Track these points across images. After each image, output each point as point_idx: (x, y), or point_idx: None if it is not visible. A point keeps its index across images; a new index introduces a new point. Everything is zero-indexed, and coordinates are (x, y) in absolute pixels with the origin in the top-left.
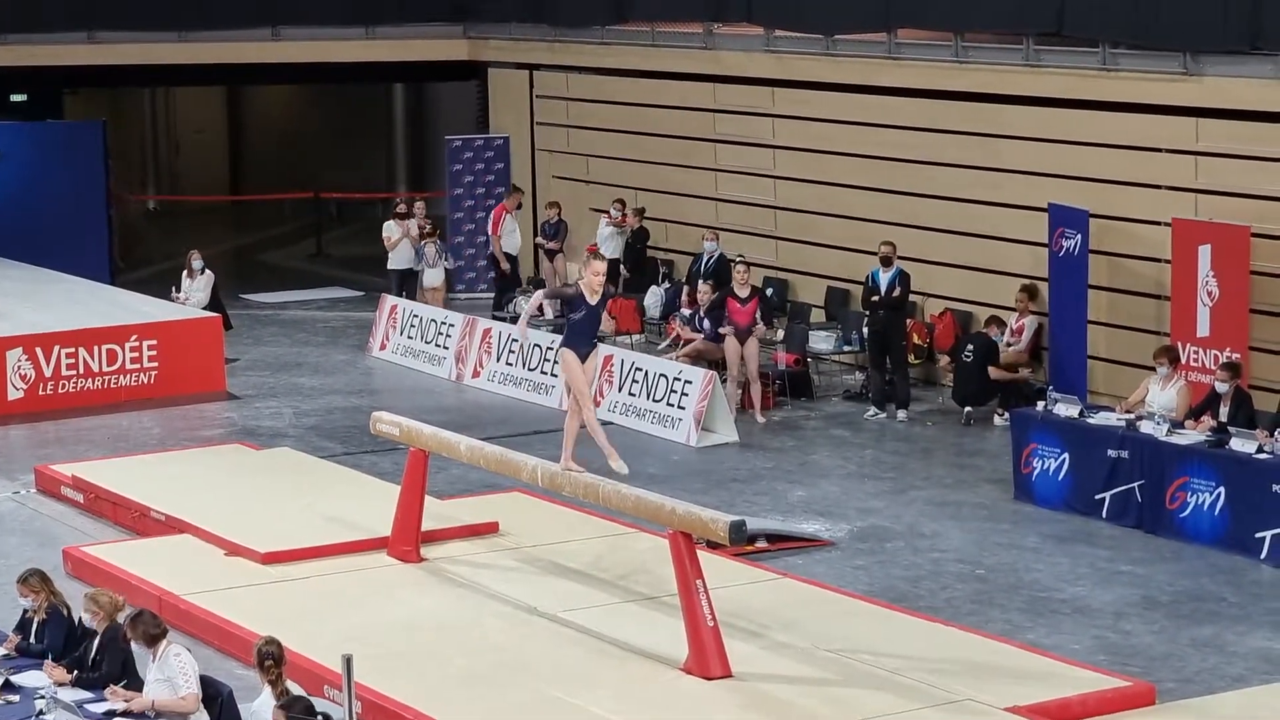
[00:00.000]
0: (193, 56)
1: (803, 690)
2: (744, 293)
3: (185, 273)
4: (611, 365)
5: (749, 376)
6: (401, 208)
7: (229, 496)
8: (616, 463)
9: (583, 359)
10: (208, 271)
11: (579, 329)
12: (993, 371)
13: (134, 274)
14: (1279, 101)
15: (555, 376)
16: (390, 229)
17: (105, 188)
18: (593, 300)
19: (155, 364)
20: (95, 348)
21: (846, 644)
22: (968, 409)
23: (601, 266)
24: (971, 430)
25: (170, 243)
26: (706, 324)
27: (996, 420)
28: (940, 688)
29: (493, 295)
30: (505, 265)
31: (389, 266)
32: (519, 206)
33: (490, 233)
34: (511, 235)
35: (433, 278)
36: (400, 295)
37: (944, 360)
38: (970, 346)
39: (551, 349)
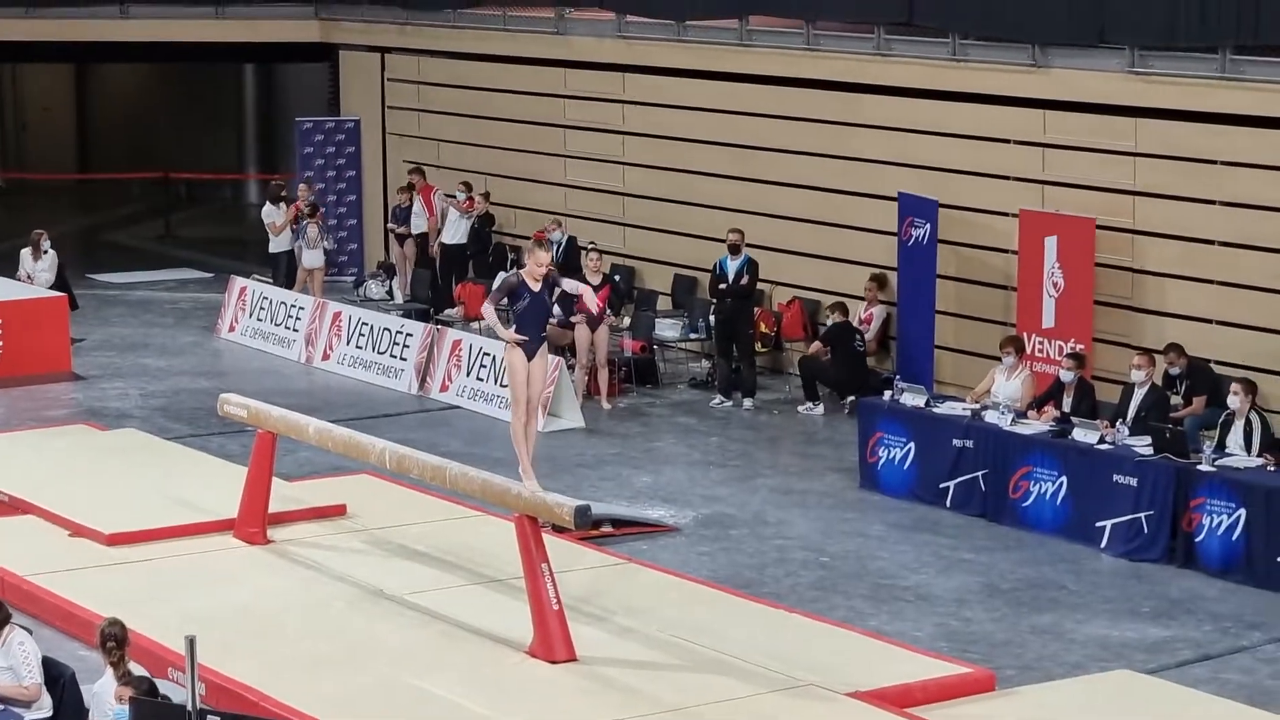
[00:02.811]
0: (40, 33)
1: (647, 674)
2: (595, 280)
3: (28, 251)
4: (460, 350)
5: (596, 363)
6: (285, 191)
7: (74, 477)
8: (529, 482)
9: (531, 355)
10: (51, 252)
11: (524, 320)
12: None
13: None
14: (1125, 95)
15: (404, 360)
16: (272, 213)
17: None
18: (535, 287)
19: None
20: None
21: (691, 629)
22: (851, 398)
23: (545, 256)
24: (816, 419)
25: (16, 222)
26: (558, 310)
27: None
28: (783, 673)
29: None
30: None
31: (272, 250)
32: (410, 188)
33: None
34: (417, 218)
35: (313, 259)
36: (284, 278)
37: (817, 347)
38: (858, 336)
39: (401, 332)
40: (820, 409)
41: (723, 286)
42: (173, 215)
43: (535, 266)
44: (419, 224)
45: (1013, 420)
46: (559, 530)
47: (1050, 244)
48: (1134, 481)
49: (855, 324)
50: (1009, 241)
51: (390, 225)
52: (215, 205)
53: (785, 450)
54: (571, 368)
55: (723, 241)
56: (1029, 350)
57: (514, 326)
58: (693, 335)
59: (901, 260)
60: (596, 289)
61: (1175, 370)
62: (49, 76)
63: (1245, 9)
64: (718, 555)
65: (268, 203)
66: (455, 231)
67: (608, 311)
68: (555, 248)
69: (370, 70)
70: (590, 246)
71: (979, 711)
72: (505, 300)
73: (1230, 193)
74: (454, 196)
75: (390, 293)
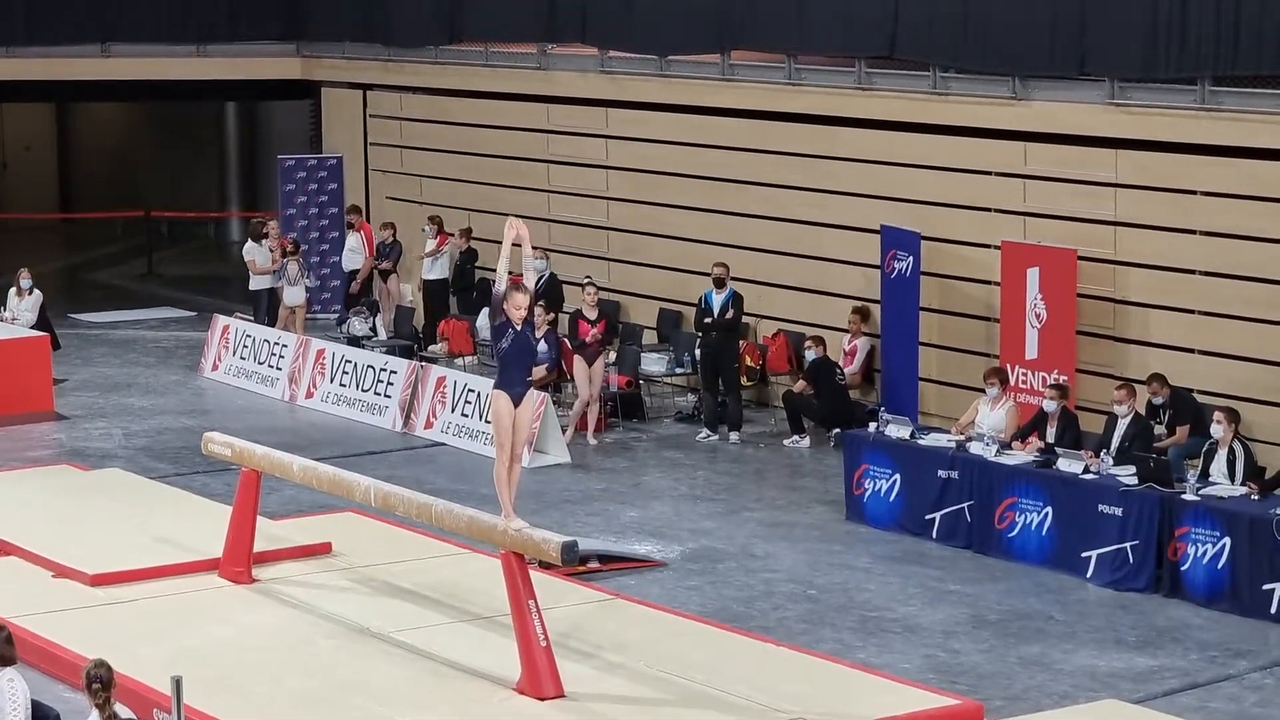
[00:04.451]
0: (21, 72)
1: (635, 710)
2: (592, 314)
3: (14, 291)
4: (444, 387)
5: (590, 398)
6: (268, 229)
7: (57, 518)
8: (512, 521)
9: (517, 400)
10: (36, 291)
11: (509, 361)
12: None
13: None
14: (1105, 126)
15: (388, 397)
16: (253, 251)
17: None
18: (519, 326)
19: None
20: None
21: (679, 664)
22: (836, 430)
23: (522, 299)
24: (802, 452)
25: None
26: (544, 346)
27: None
28: (772, 706)
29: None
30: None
31: (253, 288)
32: (349, 226)
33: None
34: (353, 253)
35: (294, 296)
36: (265, 316)
37: (802, 385)
38: (838, 370)
39: (385, 369)
40: (806, 442)
41: (708, 320)
42: (155, 254)
43: (514, 310)
44: (354, 260)
45: (997, 451)
46: (546, 566)
47: (1032, 275)
48: (1119, 511)
49: (839, 356)
50: (991, 273)
51: (374, 261)
52: (197, 243)
53: (771, 483)
54: (559, 402)
55: (707, 275)
56: (1012, 381)
57: (498, 369)
58: (678, 369)
59: (885, 292)
60: (593, 323)
61: (1158, 400)
62: (30, 115)
63: (1224, 40)
64: (705, 589)
65: (249, 240)
66: (433, 269)
67: (604, 346)
68: (538, 279)
69: (352, 107)
70: (587, 281)
71: None
72: (491, 339)
73: (1210, 223)
74: (425, 230)
75: (374, 329)
